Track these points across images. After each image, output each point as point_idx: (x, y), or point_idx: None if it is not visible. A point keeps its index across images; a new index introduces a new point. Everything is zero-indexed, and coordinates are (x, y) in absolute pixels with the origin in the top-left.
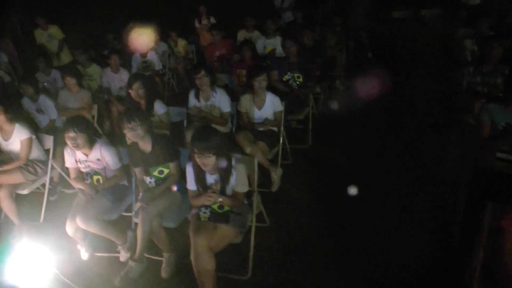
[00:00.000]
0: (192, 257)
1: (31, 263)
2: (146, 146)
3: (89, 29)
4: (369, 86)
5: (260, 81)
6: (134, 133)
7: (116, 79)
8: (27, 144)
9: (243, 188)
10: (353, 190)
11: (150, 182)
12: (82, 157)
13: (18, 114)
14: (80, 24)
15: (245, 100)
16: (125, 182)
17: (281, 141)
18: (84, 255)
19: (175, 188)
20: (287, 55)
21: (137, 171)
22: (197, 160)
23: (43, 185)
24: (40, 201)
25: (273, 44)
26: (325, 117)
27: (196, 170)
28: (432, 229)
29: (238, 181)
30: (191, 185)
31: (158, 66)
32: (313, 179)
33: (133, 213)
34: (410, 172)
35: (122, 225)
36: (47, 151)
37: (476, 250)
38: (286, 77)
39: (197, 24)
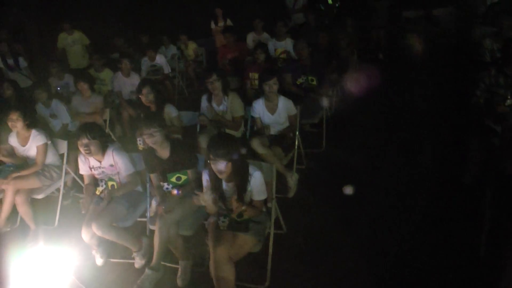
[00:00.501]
0: (211, 267)
1: (48, 268)
2: (164, 152)
3: (96, 32)
4: (381, 88)
5: (271, 85)
6: (152, 139)
7: (127, 83)
8: (43, 149)
9: (261, 195)
10: (368, 194)
11: (167, 188)
12: (96, 164)
13: (34, 120)
14: (88, 28)
15: (258, 105)
16: (139, 188)
17: (296, 146)
18: (99, 261)
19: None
20: (298, 57)
21: (153, 177)
22: (213, 167)
23: (57, 189)
24: (53, 205)
25: (283, 46)
26: (338, 120)
27: (212, 177)
28: (454, 234)
29: (256, 189)
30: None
31: (167, 69)
32: (328, 183)
33: (148, 219)
34: (429, 176)
35: (136, 231)
36: (61, 156)
37: (507, 261)
38: (300, 80)
39: (213, 26)
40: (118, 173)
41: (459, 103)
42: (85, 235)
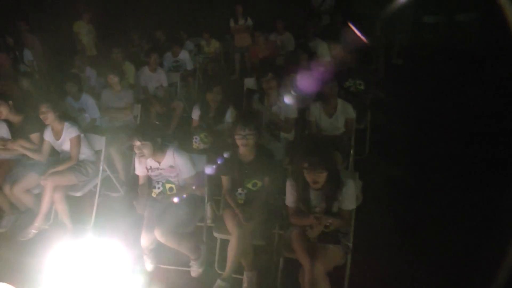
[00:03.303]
0: (306, 282)
1: (92, 270)
2: (248, 155)
3: (112, 25)
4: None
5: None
6: (245, 142)
7: (154, 79)
8: (77, 142)
9: (351, 205)
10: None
11: (240, 194)
12: (154, 165)
13: (65, 112)
14: (109, 22)
15: (315, 108)
16: (197, 192)
17: (352, 151)
18: (149, 266)
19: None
20: (336, 60)
21: (225, 179)
22: (308, 176)
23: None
24: (79, 203)
25: (312, 48)
26: (379, 125)
27: (299, 186)
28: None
29: (347, 198)
30: (290, 201)
31: (190, 66)
32: (374, 190)
33: (206, 225)
34: (479, 184)
35: (194, 237)
36: (97, 152)
37: None
38: (347, 84)
39: (232, 24)
40: (177, 175)
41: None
42: (145, 240)
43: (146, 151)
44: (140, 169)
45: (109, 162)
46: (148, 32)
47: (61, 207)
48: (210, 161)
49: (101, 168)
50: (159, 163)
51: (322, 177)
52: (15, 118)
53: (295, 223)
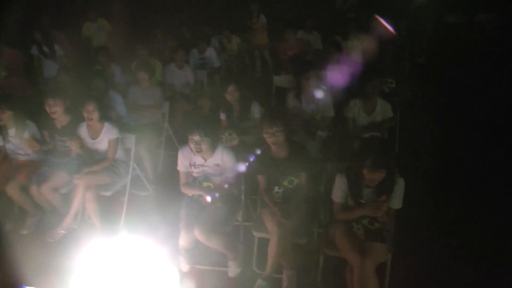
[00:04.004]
0: (356, 280)
1: (125, 271)
2: (281, 152)
3: (135, 23)
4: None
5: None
6: (274, 139)
7: (181, 76)
8: (116, 144)
9: (399, 204)
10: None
11: (277, 192)
12: (199, 161)
13: (105, 112)
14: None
15: (353, 105)
16: (234, 190)
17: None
18: (185, 266)
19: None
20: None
21: (261, 178)
22: (367, 174)
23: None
24: (110, 202)
25: (343, 45)
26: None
27: (351, 181)
28: None
29: (397, 197)
30: (338, 197)
31: (216, 63)
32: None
33: (243, 224)
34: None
35: (232, 236)
36: (126, 151)
37: None
38: None
39: (249, 22)
40: (220, 174)
41: None
42: (185, 240)
43: (204, 146)
44: (183, 164)
45: (138, 161)
46: (171, 28)
47: (92, 207)
48: (242, 159)
49: (131, 167)
50: (205, 160)
51: (381, 176)
52: (64, 118)
53: (342, 218)
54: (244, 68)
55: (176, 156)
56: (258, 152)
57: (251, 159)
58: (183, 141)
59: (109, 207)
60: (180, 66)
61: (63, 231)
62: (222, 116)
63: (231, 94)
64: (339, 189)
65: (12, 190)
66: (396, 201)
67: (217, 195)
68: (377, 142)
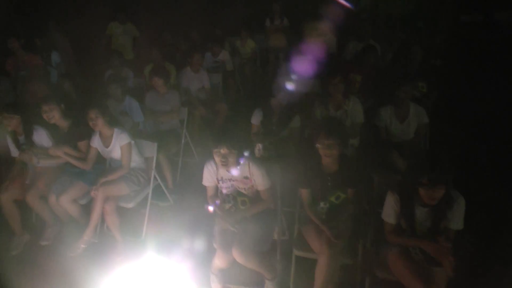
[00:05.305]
0: None
1: None
2: (331, 166)
3: (146, 26)
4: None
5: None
6: (329, 152)
7: (196, 80)
8: (128, 149)
9: (460, 225)
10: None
11: (322, 208)
12: (226, 175)
13: (114, 117)
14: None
15: (385, 113)
16: (271, 205)
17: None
18: (217, 286)
19: None
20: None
21: (305, 192)
22: (424, 192)
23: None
24: (129, 214)
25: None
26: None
27: (404, 200)
28: None
29: (457, 217)
30: (391, 217)
31: (230, 66)
32: None
33: (280, 241)
34: None
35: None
36: (146, 159)
37: None
38: None
39: (267, 24)
40: (251, 187)
41: None
42: (222, 260)
43: (231, 159)
44: (210, 179)
45: (157, 169)
46: (181, 31)
47: (112, 219)
48: (284, 171)
49: (152, 176)
50: (231, 172)
51: (440, 193)
52: (64, 123)
53: (395, 241)
54: (256, 72)
55: (193, 164)
56: (305, 164)
57: (293, 172)
58: (199, 148)
59: (129, 219)
60: (196, 70)
61: (83, 245)
62: (255, 121)
63: (280, 100)
64: (391, 209)
65: (32, 198)
66: (456, 221)
67: (251, 212)
68: (429, 155)
